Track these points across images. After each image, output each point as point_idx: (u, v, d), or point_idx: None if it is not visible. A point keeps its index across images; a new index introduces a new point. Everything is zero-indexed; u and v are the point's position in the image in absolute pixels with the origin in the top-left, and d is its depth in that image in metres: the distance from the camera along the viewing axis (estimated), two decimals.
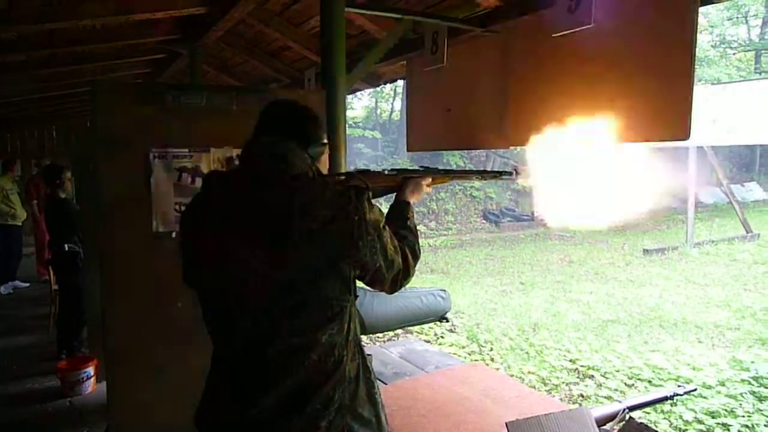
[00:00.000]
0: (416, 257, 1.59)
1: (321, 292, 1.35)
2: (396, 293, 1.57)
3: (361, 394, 1.43)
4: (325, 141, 1.57)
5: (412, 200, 1.81)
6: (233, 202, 1.39)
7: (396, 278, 1.50)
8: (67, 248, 4.82)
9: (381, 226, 1.43)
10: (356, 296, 1.46)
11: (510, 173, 2.13)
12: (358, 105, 22.09)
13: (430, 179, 1.90)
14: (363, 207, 1.37)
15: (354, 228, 1.35)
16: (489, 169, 18.68)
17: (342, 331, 1.39)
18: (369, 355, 1.54)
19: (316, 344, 1.35)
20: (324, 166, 1.59)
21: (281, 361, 1.34)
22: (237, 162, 2.49)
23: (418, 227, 1.74)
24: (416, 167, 1.96)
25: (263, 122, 1.51)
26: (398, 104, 21.05)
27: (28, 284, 7.90)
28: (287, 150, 1.43)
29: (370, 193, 1.42)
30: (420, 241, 1.69)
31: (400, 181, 1.85)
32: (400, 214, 1.72)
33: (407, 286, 1.58)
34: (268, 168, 1.40)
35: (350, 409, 1.39)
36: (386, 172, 1.85)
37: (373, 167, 1.95)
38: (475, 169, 18.69)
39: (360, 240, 1.36)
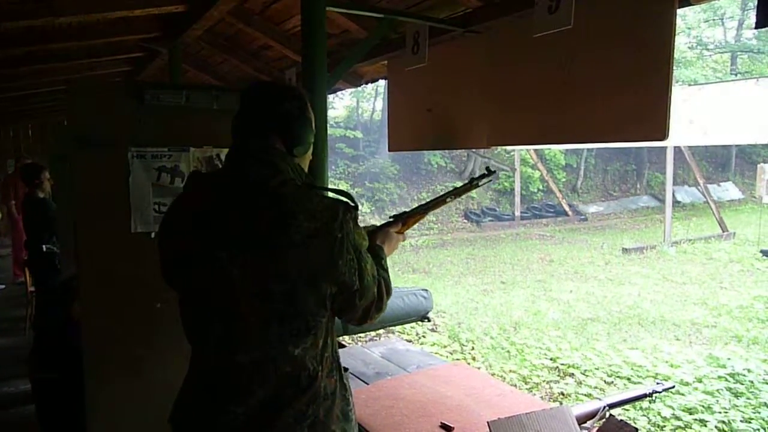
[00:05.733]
0: (389, 293, 1.51)
1: (296, 305, 1.31)
2: None
3: (336, 411, 1.40)
4: (311, 140, 1.52)
5: (386, 248, 1.68)
6: (216, 206, 1.36)
7: (368, 308, 1.43)
8: (44, 249, 4.75)
9: (362, 249, 1.40)
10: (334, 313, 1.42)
11: (484, 176, 1.97)
12: (340, 104, 22.05)
13: (400, 225, 1.79)
14: (348, 225, 1.34)
15: (335, 245, 1.31)
16: (470, 168, 18.82)
17: (316, 347, 1.36)
18: (346, 369, 1.51)
19: (288, 357, 1.32)
20: (306, 161, 1.56)
21: (253, 370, 1.32)
22: (218, 163, 2.48)
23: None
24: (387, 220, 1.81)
25: (247, 119, 1.46)
26: (380, 104, 21.06)
27: (3, 286, 7.76)
28: (275, 155, 1.40)
29: (358, 213, 1.39)
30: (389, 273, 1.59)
31: (370, 232, 1.70)
32: (374, 254, 1.58)
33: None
34: (255, 174, 1.37)
35: (323, 425, 1.36)
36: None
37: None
38: (456, 175, 18.67)
39: (340, 259, 1.32)
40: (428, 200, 1.94)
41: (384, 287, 1.48)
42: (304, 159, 1.54)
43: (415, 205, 1.79)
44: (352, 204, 1.38)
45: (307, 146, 1.51)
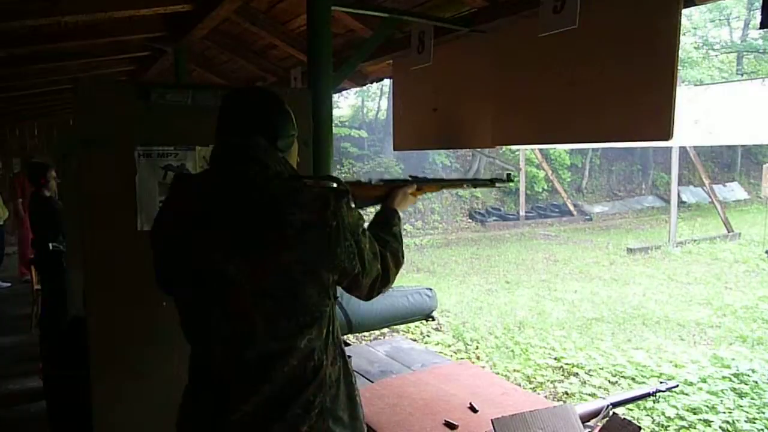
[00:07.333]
0: (398, 263, 1.55)
1: (299, 298, 1.32)
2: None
3: (342, 397, 1.42)
4: (294, 132, 1.52)
5: (400, 209, 1.77)
6: (207, 206, 1.36)
7: (374, 284, 1.47)
8: (51, 247, 4.77)
9: (359, 230, 1.40)
10: (336, 297, 1.43)
11: (504, 180, 2.10)
12: (345, 104, 22.09)
13: (415, 188, 1.87)
14: (342, 212, 1.34)
15: (332, 234, 1.32)
16: (475, 168, 18.79)
17: (321, 336, 1.37)
18: (349, 357, 1.52)
19: (295, 349, 1.33)
20: (293, 157, 1.55)
21: (260, 367, 1.32)
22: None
23: (404, 227, 1.72)
24: (405, 178, 1.93)
25: (228, 119, 1.45)
26: (384, 103, 21.05)
27: (9, 284, 7.80)
28: (259, 150, 1.39)
29: (350, 197, 1.39)
30: (404, 246, 1.64)
31: (387, 191, 1.82)
32: (386, 220, 1.68)
33: (393, 284, 1.56)
34: (242, 171, 1.36)
35: (331, 412, 1.37)
36: (373, 182, 1.82)
37: (362, 179, 1.91)
38: (462, 174, 18.80)
39: (338, 247, 1.33)
40: (447, 178, 2.06)
41: (390, 260, 1.51)
42: (291, 155, 1.53)
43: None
44: (342, 188, 1.38)
45: (290, 140, 1.50)
